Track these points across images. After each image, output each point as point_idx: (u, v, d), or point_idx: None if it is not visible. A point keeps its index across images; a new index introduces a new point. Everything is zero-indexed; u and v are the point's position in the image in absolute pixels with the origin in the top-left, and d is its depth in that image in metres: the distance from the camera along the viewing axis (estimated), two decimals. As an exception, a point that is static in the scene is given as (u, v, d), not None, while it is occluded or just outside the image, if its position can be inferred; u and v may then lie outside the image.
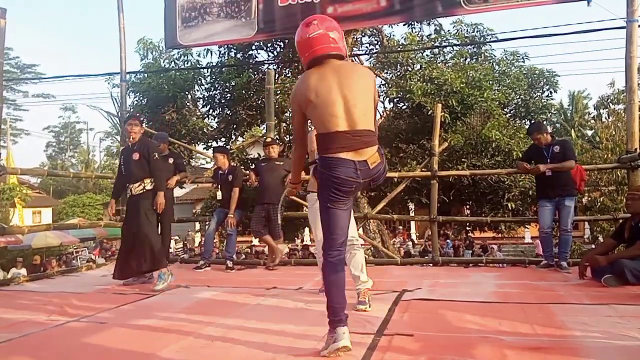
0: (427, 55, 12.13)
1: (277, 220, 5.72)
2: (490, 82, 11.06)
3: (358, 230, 4.07)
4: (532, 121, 12.98)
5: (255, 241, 13.96)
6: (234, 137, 12.49)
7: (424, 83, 10.10)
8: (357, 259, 3.56)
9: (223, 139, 12.19)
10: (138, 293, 4.27)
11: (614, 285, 3.95)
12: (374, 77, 2.64)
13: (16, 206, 16.62)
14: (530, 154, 5.37)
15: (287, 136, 11.62)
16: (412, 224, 24.92)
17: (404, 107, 11.03)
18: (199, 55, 11.87)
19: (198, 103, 12.23)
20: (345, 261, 2.63)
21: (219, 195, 6.05)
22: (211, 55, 11.64)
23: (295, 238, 16.15)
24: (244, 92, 10.99)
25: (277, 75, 10.78)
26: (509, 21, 57.52)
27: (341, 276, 2.49)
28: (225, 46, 10.94)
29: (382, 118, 11.96)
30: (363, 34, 11.72)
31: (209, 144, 11.89)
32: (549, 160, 5.04)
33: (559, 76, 12.92)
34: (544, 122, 9.44)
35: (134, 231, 4.62)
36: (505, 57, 12.96)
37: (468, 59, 12.47)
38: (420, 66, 11.11)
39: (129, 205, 4.86)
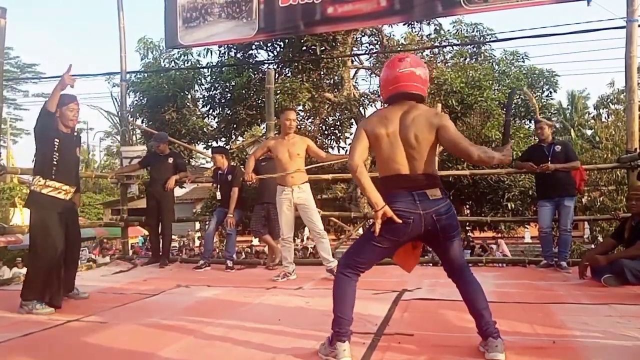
0: (427, 55, 12.14)
1: (277, 220, 5.72)
2: (490, 81, 11.07)
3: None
4: (533, 121, 13.00)
5: (255, 241, 13.95)
6: (234, 136, 12.49)
7: (424, 83, 10.09)
8: (324, 245, 4.71)
9: (223, 139, 12.20)
10: (138, 293, 4.27)
11: (614, 285, 3.95)
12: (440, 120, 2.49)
13: (17, 206, 16.60)
14: (530, 154, 5.35)
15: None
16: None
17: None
18: (199, 55, 11.89)
19: (198, 103, 12.24)
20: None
21: (219, 195, 6.05)
22: (211, 55, 11.65)
23: (295, 238, 16.15)
24: (244, 91, 11.00)
25: (277, 75, 10.79)
26: (509, 21, 57.49)
27: (350, 290, 2.47)
28: (225, 46, 10.95)
29: None
30: (363, 34, 11.73)
31: (209, 144, 11.90)
32: (549, 159, 5.04)
33: (558, 76, 12.94)
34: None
35: None
36: (505, 57, 12.98)
37: (468, 59, 12.47)
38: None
39: None
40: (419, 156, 2.43)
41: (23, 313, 3.51)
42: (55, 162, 3.67)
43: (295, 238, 16.64)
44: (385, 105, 2.63)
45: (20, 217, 16.46)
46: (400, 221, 2.36)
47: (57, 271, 3.63)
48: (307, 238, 16.27)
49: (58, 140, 3.69)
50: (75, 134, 4.06)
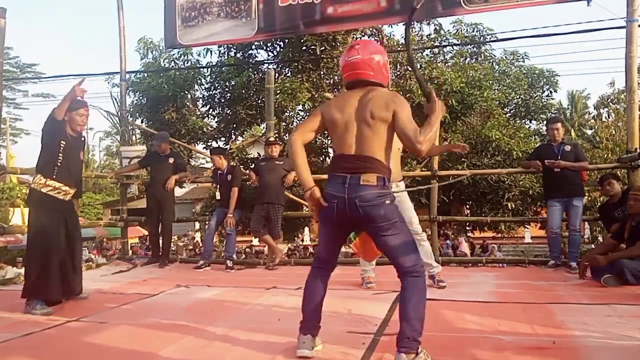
0: (427, 55, 12.14)
1: (277, 219, 5.72)
2: (490, 81, 11.08)
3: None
4: (533, 120, 13.01)
5: (255, 241, 13.95)
6: (233, 136, 12.50)
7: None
8: (425, 249, 4.13)
9: (223, 139, 12.20)
10: (138, 293, 4.26)
11: (614, 285, 3.95)
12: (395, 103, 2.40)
13: (18, 206, 16.60)
14: (540, 153, 5.37)
15: (287, 135, 11.62)
16: (412, 223, 24.84)
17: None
18: (199, 55, 11.89)
19: (198, 102, 12.24)
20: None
21: (218, 195, 6.05)
22: (211, 54, 11.64)
23: (295, 238, 16.15)
24: (243, 91, 10.99)
25: (277, 75, 10.78)
26: (509, 21, 57.48)
27: (311, 284, 2.56)
28: (225, 46, 10.95)
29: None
30: (363, 34, 11.72)
31: (209, 144, 11.90)
32: (559, 158, 5.05)
33: (558, 76, 12.97)
34: (544, 122, 9.41)
35: None
36: (505, 56, 12.99)
37: (468, 59, 12.47)
38: (420, 66, 11.11)
39: None
40: (370, 136, 2.36)
41: (24, 313, 3.51)
42: (58, 163, 3.70)
43: (296, 238, 16.67)
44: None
45: (20, 217, 16.46)
46: (325, 204, 2.38)
47: (54, 268, 3.60)
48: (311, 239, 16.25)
49: (64, 143, 3.73)
50: (83, 138, 4.08)
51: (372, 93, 2.42)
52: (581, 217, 5.14)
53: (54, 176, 3.69)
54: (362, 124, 2.37)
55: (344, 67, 2.53)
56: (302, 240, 16.98)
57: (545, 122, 9.43)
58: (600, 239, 11.59)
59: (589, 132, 21.66)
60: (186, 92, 11.56)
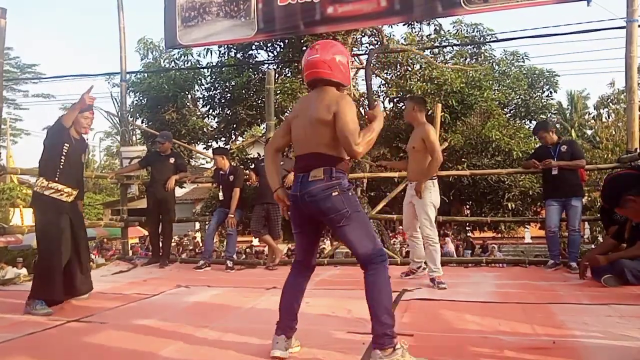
0: (427, 54, 12.13)
1: (277, 220, 5.72)
2: (490, 82, 11.07)
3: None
4: (533, 121, 12.99)
5: (255, 241, 13.95)
6: (233, 136, 12.48)
7: (424, 83, 10.10)
8: (430, 254, 4.26)
9: (223, 139, 12.19)
10: (138, 293, 4.27)
11: (614, 285, 3.95)
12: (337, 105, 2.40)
13: (18, 206, 16.60)
14: (538, 155, 5.40)
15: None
16: (412, 223, 24.83)
17: (404, 107, 11.05)
18: (199, 55, 11.88)
19: (198, 103, 12.23)
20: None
21: (221, 195, 6.05)
22: (211, 55, 11.64)
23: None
24: (243, 92, 10.99)
25: (277, 75, 10.78)
26: (509, 21, 57.49)
27: (291, 286, 2.60)
28: (225, 46, 10.94)
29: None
30: (363, 34, 11.72)
31: (209, 144, 11.89)
32: (555, 159, 5.06)
33: (558, 76, 12.95)
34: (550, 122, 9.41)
35: None
36: (505, 57, 12.98)
37: (468, 59, 12.47)
38: (420, 66, 11.12)
39: None
40: (315, 136, 2.42)
41: (24, 313, 3.52)
42: (61, 166, 3.73)
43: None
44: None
45: (20, 217, 16.47)
46: (288, 204, 2.52)
47: (57, 269, 3.62)
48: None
49: (67, 145, 3.76)
50: (87, 140, 4.11)
51: (322, 94, 2.46)
52: (580, 217, 5.14)
53: (57, 178, 3.71)
54: (308, 125, 2.45)
55: (304, 66, 2.55)
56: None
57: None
58: (600, 239, 11.59)
59: (589, 132, 21.65)
60: (186, 93, 11.55)
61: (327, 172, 2.37)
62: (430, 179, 4.37)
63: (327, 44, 2.55)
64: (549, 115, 13.45)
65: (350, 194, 2.40)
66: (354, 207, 2.38)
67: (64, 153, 3.74)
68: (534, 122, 13.67)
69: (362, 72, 13.59)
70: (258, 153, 12.60)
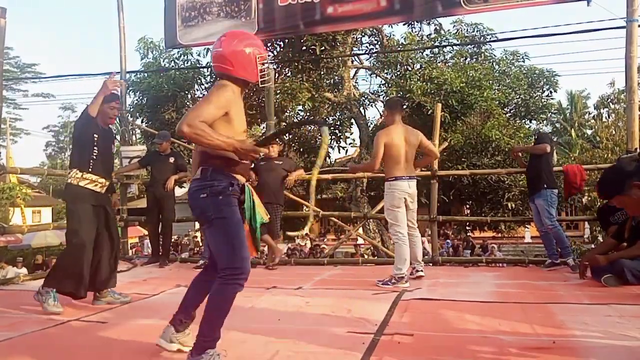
0: (427, 54, 12.14)
1: (277, 219, 5.72)
2: (490, 81, 11.07)
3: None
4: (533, 120, 13.00)
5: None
6: (234, 136, 12.49)
7: (424, 83, 10.11)
8: (399, 252, 4.31)
9: (223, 139, 12.19)
10: (138, 293, 4.26)
11: (614, 285, 3.95)
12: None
13: (18, 206, 16.62)
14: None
15: (287, 135, 11.62)
16: (412, 223, 24.83)
17: (404, 106, 11.06)
18: (199, 55, 11.90)
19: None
20: None
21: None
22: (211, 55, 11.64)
23: (295, 237, 16.13)
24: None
25: (277, 75, 10.79)
26: (509, 21, 57.46)
27: (194, 282, 2.54)
28: (225, 46, 10.94)
29: (382, 118, 11.98)
30: (363, 34, 11.73)
31: (209, 144, 11.88)
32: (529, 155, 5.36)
33: (559, 76, 12.95)
34: (544, 122, 9.42)
35: None
36: (505, 56, 12.97)
37: (468, 59, 12.47)
38: (420, 66, 11.12)
39: None
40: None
41: (34, 298, 3.51)
42: (93, 156, 3.71)
43: (296, 237, 16.65)
44: None
45: (22, 216, 16.46)
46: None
47: (86, 262, 3.57)
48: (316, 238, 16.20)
49: (97, 136, 3.74)
50: (113, 131, 4.11)
51: (211, 89, 2.41)
52: (549, 211, 4.99)
53: (90, 169, 3.70)
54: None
55: (212, 57, 2.50)
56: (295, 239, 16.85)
57: (544, 122, 9.44)
58: (600, 239, 11.59)
59: (589, 132, 21.66)
60: (186, 92, 11.57)
61: (204, 172, 2.31)
62: (387, 180, 4.46)
63: (234, 36, 2.42)
64: (548, 115, 13.45)
65: (220, 198, 2.27)
66: (220, 213, 2.25)
67: (95, 144, 3.71)
68: (534, 122, 13.70)
69: (362, 72, 13.63)
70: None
